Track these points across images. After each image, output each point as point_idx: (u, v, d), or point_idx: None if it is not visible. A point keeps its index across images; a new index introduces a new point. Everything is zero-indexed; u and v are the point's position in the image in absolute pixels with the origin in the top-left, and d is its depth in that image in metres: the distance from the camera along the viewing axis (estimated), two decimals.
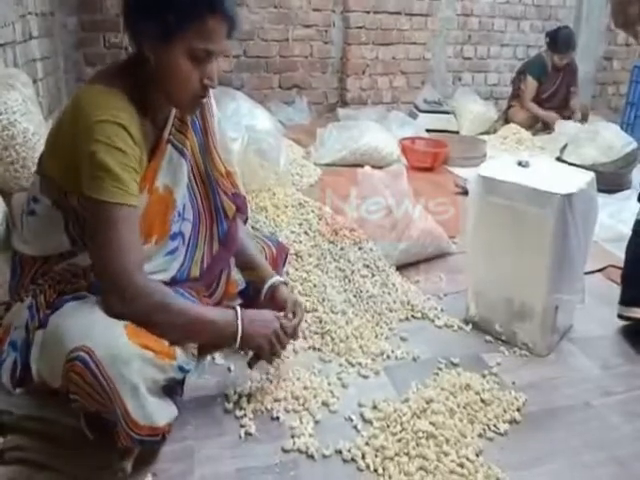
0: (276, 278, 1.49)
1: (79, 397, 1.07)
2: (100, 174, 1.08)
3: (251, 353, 1.38)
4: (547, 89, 4.32)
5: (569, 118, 4.25)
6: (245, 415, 1.34)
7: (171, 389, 1.19)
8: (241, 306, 1.47)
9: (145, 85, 1.17)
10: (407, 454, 1.23)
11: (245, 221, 1.61)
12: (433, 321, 1.81)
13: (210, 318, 1.23)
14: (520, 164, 1.69)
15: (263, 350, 1.30)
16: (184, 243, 1.34)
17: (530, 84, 4.30)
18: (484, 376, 1.53)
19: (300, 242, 2.01)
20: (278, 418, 1.34)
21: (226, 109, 3.42)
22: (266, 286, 1.47)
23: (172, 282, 1.30)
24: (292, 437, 1.28)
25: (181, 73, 1.14)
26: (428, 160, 3.43)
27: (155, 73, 1.16)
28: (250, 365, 1.38)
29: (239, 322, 1.24)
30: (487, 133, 4.35)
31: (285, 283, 1.52)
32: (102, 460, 1.13)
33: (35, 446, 1.16)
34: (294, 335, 1.38)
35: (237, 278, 1.55)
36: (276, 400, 1.39)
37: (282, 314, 1.38)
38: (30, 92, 2.19)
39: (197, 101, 1.22)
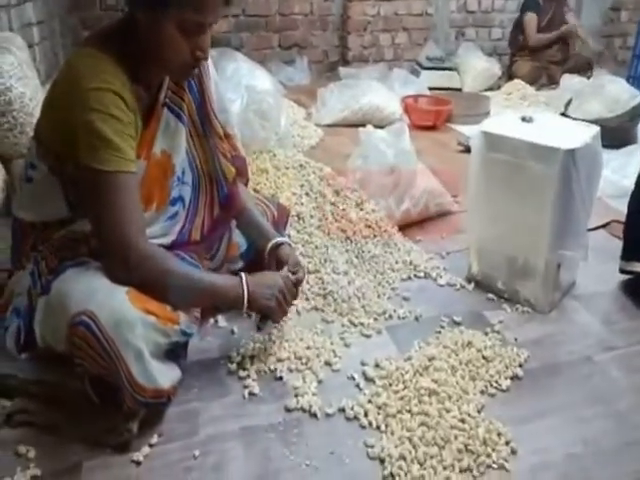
0: (279, 239, 1.47)
1: (83, 361, 1.08)
2: (97, 143, 1.06)
3: (257, 317, 1.38)
4: (544, 18, 4.32)
5: (572, 71, 4.14)
6: (248, 376, 1.34)
7: (175, 353, 1.19)
8: (244, 269, 1.49)
9: (138, 49, 1.13)
10: (409, 411, 1.24)
11: (246, 183, 1.59)
12: (435, 280, 1.80)
13: (215, 282, 1.23)
14: (524, 119, 1.65)
15: (271, 309, 1.29)
16: (184, 207, 1.33)
17: (531, 19, 4.29)
18: (486, 333, 1.52)
19: (301, 204, 1.99)
20: (281, 378, 1.34)
21: (226, 70, 3.36)
22: (270, 244, 1.45)
23: (173, 246, 1.30)
24: (295, 396, 1.29)
25: (171, 44, 1.10)
26: (431, 118, 3.38)
27: (146, 40, 1.12)
28: (259, 328, 1.37)
29: (244, 285, 1.24)
30: (491, 90, 4.25)
31: (289, 244, 1.51)
32: (108, 422, 1.14)
33: (41, 409, 1.18)
34: (295, 293, 1.37)
35: (238, 241, 1.55)
36: (279, 360, 1.39)
37: (285, 269, 1.37)
38: (26, 56, 2.14)
39: (188, 70, 1.19)
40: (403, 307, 1.64)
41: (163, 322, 1.11)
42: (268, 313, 1.32)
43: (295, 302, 1.50)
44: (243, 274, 1.26)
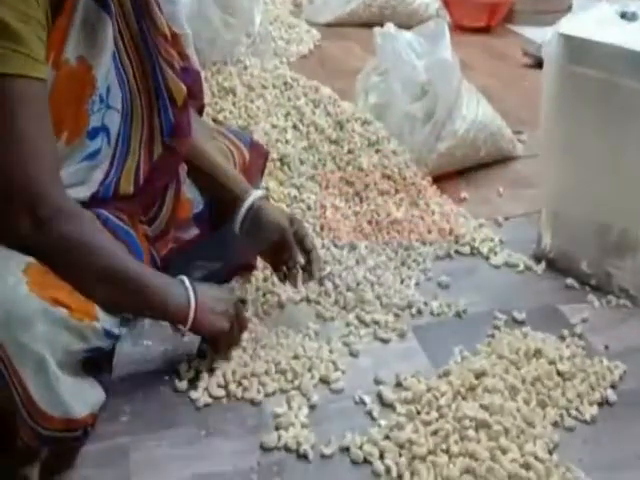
0: (255, 194, 1.49)
1: None
2: None
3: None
4: None
5: None
6: (205, 398, 1.35)
7: (95, 364, 1.19)
8: (201, 239, 1.52)
9: None
10: (447, 452, 1.24)
11: (201, 110, 1.60)
12: (488, 258, 1.81)
13: (148, 277, 1.24)
14: (624, 16, 1.65)
15: (223, 331, 1.34)
16: (110, 143, 1.33)
17: None
18: (563, 338, 1.53)
19: (286, 142, 2.00)
20: (254, 402, 1.35)
21: None
22: (242, 211, 1.47)
23: (93, 201, 1.29)
24: (276, 429, 1.29)
25: None
26: (483, 15, 3.42)
27: None
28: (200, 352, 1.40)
29: (190, 292, 1.27)
30: None
31: (266, 196, 1.52)
32: None
33: None
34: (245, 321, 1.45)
35: (190, 197, 1.55)
36: (253, 375, 1.39)
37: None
38: None
39: None
40: (438, 298, 1.66)
41: (78, 317, 1.11)
42: (215, 341, 1.36)
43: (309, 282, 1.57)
44: (185, 278, 1.29)
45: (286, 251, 1.50)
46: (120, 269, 1.20)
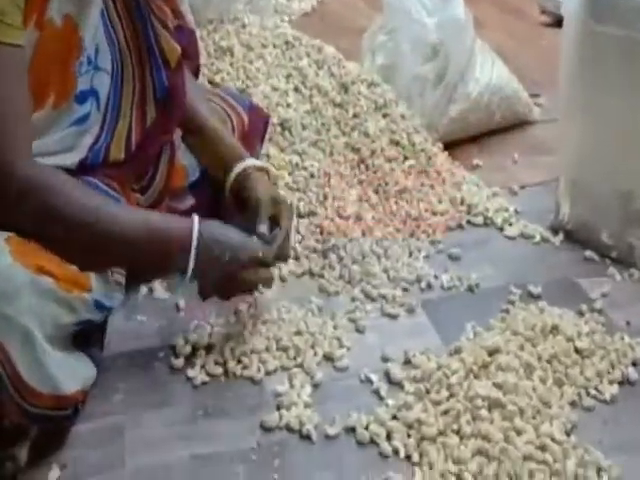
0: (249, 161, 1.48)
1: None
2: None
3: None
4: None
5: None
6: (203, 376, 1.36)
7: (86, 338, 1.20)
8: (195, 209, 1.50)
9: None
10: (458, 432, 1.24)
11: (196, 72, 1.60)
12: (502, 229, 1.81)
13: (148, 222, 1.25)
14: None
15: (227, 289, 1.35)
16: (99, 107, 1.33)
17: None
18: (582, 313, 1.53)
19: (288, 105, 1.99)
20: (255, 380, 1.36)
21: None
22: (232, 175, 1.47)
23: (81, 168, 1.29)
24: (278, 408, 1.30)
25: None
26: None
27: None
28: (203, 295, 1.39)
29: (195, 232, 1.25)
30: None
31: (265, 169, 1.51)
32: None
33: None
34: (283, 258, 1.43)
35: (186, 164, 1.56)
36: (253, 352, 1.40)
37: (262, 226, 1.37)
38: None
39: None
40: (449, 271, 1.66)
41: (67, 288, 1.11)
42: (220, 288, 1.35)
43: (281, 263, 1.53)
44: (196, 217, 1.28)
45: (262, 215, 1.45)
46: (106, 237, 1.20)
